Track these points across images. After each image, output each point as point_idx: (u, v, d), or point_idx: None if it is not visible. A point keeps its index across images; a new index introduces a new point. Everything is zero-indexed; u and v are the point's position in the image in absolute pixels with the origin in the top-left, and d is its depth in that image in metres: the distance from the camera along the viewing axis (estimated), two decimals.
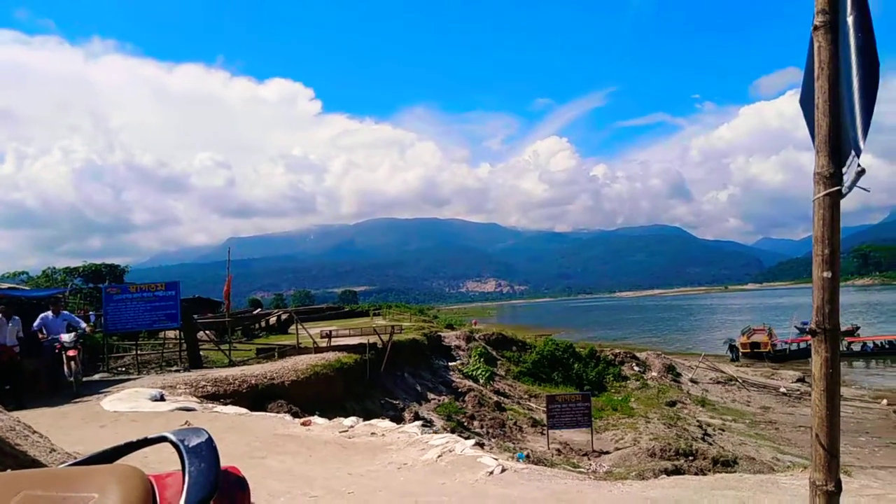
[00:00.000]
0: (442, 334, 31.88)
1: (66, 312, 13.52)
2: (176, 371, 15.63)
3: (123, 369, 17.37)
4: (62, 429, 7.84)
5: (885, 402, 25.99)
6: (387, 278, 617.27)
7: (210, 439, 1.50)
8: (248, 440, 7.73)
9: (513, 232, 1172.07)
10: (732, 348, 42.74)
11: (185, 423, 8.21)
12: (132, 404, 9.99)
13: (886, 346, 40.81)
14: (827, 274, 2.24)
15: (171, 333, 21.16)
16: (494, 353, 30.70)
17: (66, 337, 12.16)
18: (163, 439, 1.51)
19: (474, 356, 27.48)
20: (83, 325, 13.75)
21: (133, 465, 1.40)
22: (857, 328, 54.39)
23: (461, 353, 28.86)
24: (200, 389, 12.11)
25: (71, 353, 11.89)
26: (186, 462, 1.38)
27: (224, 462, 1.58)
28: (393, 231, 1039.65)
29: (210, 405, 10.73)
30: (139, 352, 18.96)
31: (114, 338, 18.48)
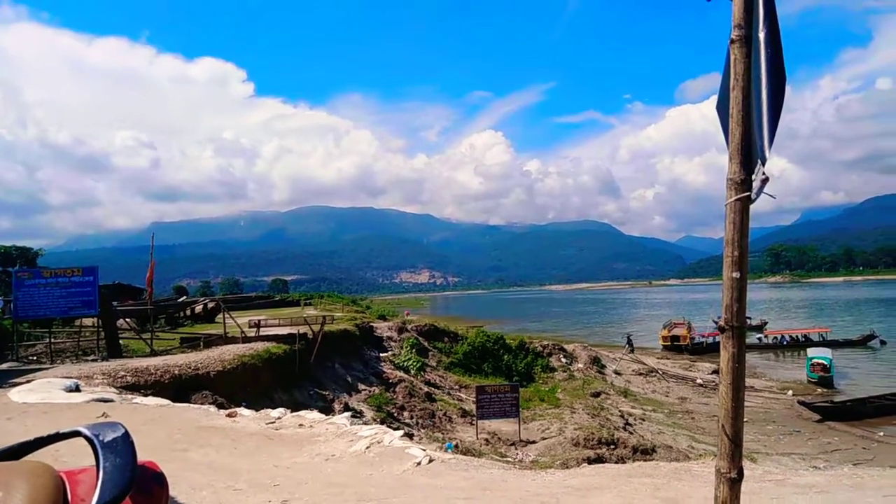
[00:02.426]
0: (374, 325, 31.76)
1: None
2: (93, 360, 14.92)
3: (35, 358, 16.45)
4: None
5: (790, 392, 27.76)
6: (319, 267, 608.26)
7: (126, 434, 1.45)
8: (169, 432, 7.48)
9: (447, 224, 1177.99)
10: (629, 341, 44.57)
11: (103, 416, 7.86)
12: (43, 395, 9.46)
13: (801, 340, 43.39)
14: (736, 274, 2.38)
15: (88, 321, 20.17)
16: (426, 344, 30.85)
17: None
18: (76, 434, 1.45)
19: (406, 347, 27.52)
20: None
21: (42, 462, 1.34)
22: (766, 323, 57.83)
23: (393, 343, 28.85)
24: (119, 380, 11.60)
25: None
26: (101, 457, 1.34)
27: (143, 456, 1.53)
28: (327, 219, 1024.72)
29: (130, 396, 10.30)
30: (53, 340, 17.96)
31: (25, 325, 17.44)
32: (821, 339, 42.36)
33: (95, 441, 1.38)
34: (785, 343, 44.09)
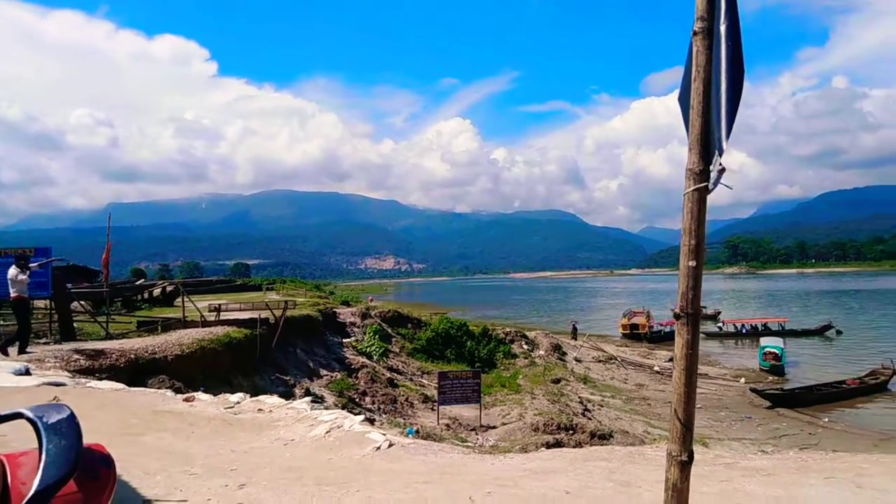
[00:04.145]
0: (337, 311, 31.58)
1: None
2: (45, 343, 14.46)
3: None
4: None
5: (743, 380, 28.69)
6: (283, 252, 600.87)
7: (72, 415, 1.42)
8: (123, 417, 7.32)
9: (414, 210, 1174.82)
10: (574, 329, 45.34)
11: (54, 399, 7.65)
12: None
13: (760, 329, 44.70)
14: (692, 263, 2.43)
15: (40, 303, 19.53)
16: (390, 330, 30.83)
17: None
18: (18, 416, 1.41)
19: (369, 333, 27.46)
20: None
21: None
22: (720, 312, 59.54)
23: (356, 329, 28.76)
24: (73, 363, 11.28)
25: None
26: (44, 440, 1.31)
27: (96, 440, 1.50)
28: (291, 204, 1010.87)
29: (83, 380, 10.03)
30: (2, 322, 17.34)
31: None
32: (779, 329, 43.74)
33: (38, 423, 1.35)
34: (744, 332, 45.37)
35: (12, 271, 12.11)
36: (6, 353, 11.48)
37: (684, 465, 2.51)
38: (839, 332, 43.61)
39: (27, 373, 9.86)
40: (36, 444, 1.35)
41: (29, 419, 1.39)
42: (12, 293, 12.12)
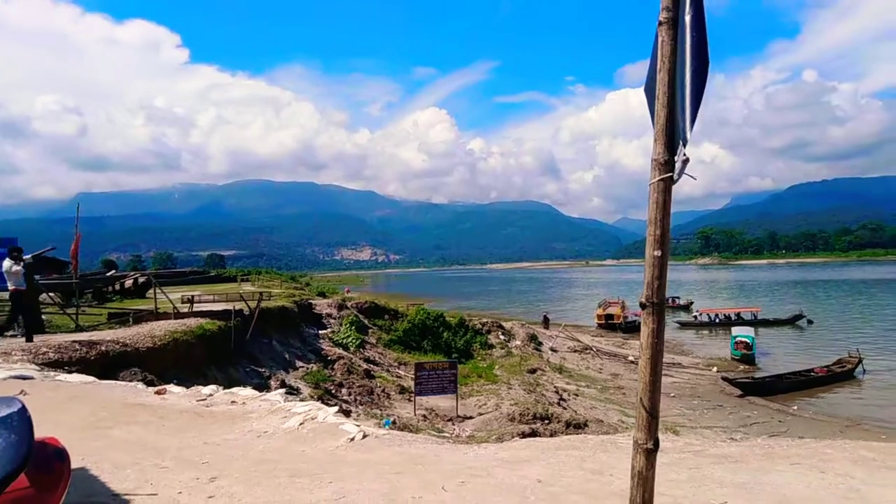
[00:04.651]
0: (313, 302, 31.39)
1: None
2: (12, 336, 14.15)
3: None
4: None
5: (715, 369, 29.21)
6: (258, 243, 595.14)
7: (23, 409, 1.39)
8: (92, 410, 7.20)
9: (391, 201, 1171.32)
10: (546, 319, 45.80)
11: (21, 393, 7.50)
12: None
13: (734, 318, 45.41)
14: (657, 252, 2.45)
15: (6, 295, 19.08)
16: (366, 321, 30.75)
17: None
18: None
19: (345, 324, 27.36)
20: None
21: None
22: (692, 302, 60.45)
23: (332, 321, 28.62)
24: (41, 356, 11.04)
25: None
26: None
27: (64, 433, 1.46)
28: (266, 194, 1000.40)
29: (52, 373, 9.84)
30: None
31: None
32: (752, 318, 44.52)
33: None
34: (718, 321, 46.09)
35: (6, 263, 12.27)
36: (31, 340, 11.99)
37: (650, 453, 2.55)
38: (810, 322, 44.57)
39: None
40: None
41: None
42: (10, 286, 12.36)
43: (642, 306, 2.50)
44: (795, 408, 21.90)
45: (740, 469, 5.49)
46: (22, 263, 12.35)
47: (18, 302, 12.54)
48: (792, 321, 45.36)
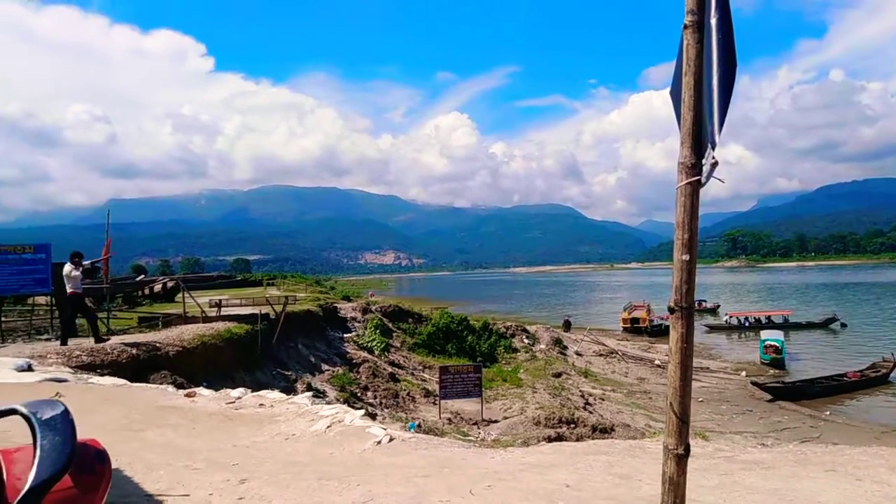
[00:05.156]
0: (338, 305, 31.62)
1: None
2: (47, 340, 14.51)
3: None
4: None
5: (744, 373, 28.72)
6: (283, 248, 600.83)
7: (66, 411, 1.43)
8: (126, 412, 7.35)
9: (413, 205, 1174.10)
10: (568, 323, 45.34)
11: (56, 395, 7.68)
12: None
13: (764, 322, 44.63)
14: (685, 257, 2.44)
15: (41, 300, 19.57)
16: (390, 324, 30.88)
17: None
18: (12, 412, 1.43)
19: (370, 328, 27.51)
20: None
21: None
22: (718, 306, 59.53)
23: (357, 324, 28.80)
24: (74, 359, 11.30)
25: None
26: (38, 436, 1.32)
27: (98, 436, 1.51)
28: (290, 199, 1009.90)
29: (85, 376, 10.07)
30: (3, 319, 17.37)
31: None
32: (783, 322, 43.70)
33: (32, 419, 1.37)
34: (748, 325, 45.30)
35: (67, 268, 12.59)
36: (101, 340, 12.55)
37: (680, 459, 2.53)
38: (843, 325, 43.55)
39: (29, 369, 9.91)
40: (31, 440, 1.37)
41: (23, 415, 1.40)
42: (69, 289, 12.57)
43: (671, 311, 2.49)
44: (828, 413, 21.44)
45: (772, 475, 5.40)
46: (81, 269, 12.76)
47: (77, 305, 12.93)
48: (825, 324, 44.37)
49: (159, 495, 4.51)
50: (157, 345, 13.22)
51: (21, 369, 9.73)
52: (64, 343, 12.42)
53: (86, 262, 13.33)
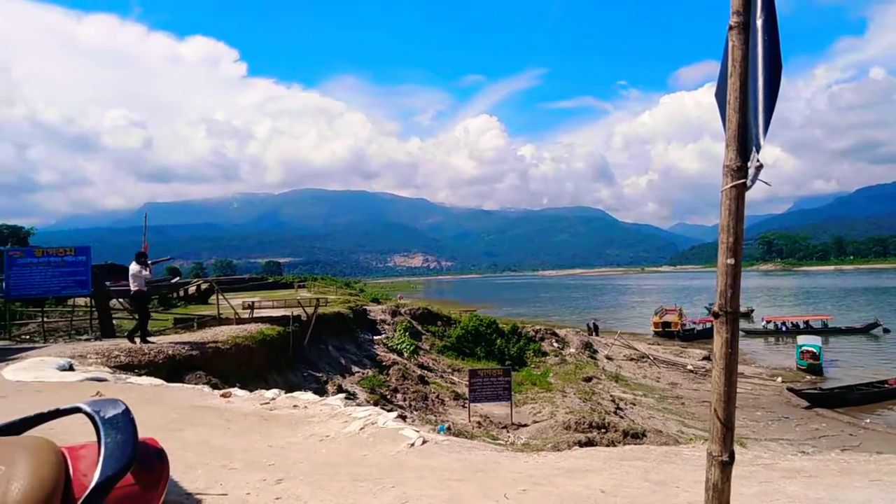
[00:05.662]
0: (367, 308, 31.83)
1: None
2: (87, 340, 14.91)
3: (28, 337, 16.41)
4: None
5: (780, 379, 28.10)
6: (313, 250, 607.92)
7: (127, 410, 1.48)
8: (163, 412, 7.50)
9: (441, 208, 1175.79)
10: (596, 327, 44.46)
11: (97, 394, 7.88)
12: (37, 374, 9.46)
13: (803, 326, 43.63)
14: (730, 261, 2.40)
15: (81, 301, 20.11)
16: (419, 327, 30.97)
17: None
18: (76, 410, 1.48)
19: (399, 330, 27.63)
20: None
21: (44, 437, 1.36)
22: (753, 310, 58.34)
23: (386, 326, 28.94)
24: (113, 359, 11.59)
25: None
26: (102, 433, 1.36)
27: (140, 434, 1.56)
28: (320, 202, 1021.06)
29: (124, 376, 10.31)
30: (46, 319, 17.92)
31: (17, 304, 17.36)
32: (823, 326, 42.64)
33: (97, 417, 1.41)
34: (786, 329, 44.30)
35: (134, 267, 13.00)
36: (133, 341, 12.84)
37: (725, 466, 2.49)
38: (886, 331, 42.19)
39: (70, 368, 10.19)
40: (85, 439, 1.41)
41: (87, 413, 1.45)
42: (133, 287, 13.06)
43: (715, 315, 2.45)
44: (868, 421, 20.84)
45: (814, 484, 5.26)
46: (148, 268, 13.22)
47: (140, 303, 13.48)
48: (866, 330, 43.09)
49: (198, 494, 4.59)
50: (193, 346, 13.49)
51: (63, 369, 10.01)
52: (144, 341, 13.01)
53: (149, 262, 13.70)
